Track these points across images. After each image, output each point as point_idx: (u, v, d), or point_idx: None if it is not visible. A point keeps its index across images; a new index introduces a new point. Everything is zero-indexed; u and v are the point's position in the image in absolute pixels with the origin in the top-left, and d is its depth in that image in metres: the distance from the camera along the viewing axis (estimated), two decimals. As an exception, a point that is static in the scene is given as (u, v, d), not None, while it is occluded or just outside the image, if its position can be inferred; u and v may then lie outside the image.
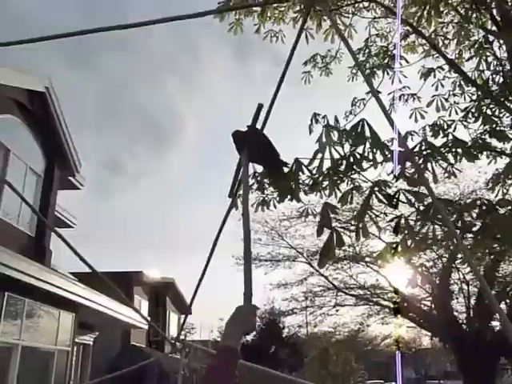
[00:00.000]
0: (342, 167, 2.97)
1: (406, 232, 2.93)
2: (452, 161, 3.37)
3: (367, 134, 2.59)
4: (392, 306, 19.73)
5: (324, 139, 2.83)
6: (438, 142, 4.23)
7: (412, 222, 3.41)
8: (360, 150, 2.79)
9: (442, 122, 4.84)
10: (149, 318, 15.87)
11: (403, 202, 3.00)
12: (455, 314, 19.05)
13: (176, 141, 52.04)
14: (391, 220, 3.02)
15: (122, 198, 56.39)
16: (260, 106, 2.15)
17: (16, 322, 8.81)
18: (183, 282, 25.65)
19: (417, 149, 3.17)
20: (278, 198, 4.37)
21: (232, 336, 1.51)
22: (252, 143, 2.13)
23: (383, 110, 2.35)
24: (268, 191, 4.47)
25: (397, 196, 2.97)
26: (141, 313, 3.03)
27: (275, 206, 4.50)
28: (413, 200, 3.08)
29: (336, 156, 2.92)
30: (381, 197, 2.81)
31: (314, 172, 3.02)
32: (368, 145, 2.67)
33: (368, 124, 2.59)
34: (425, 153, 3.23)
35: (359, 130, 2.60)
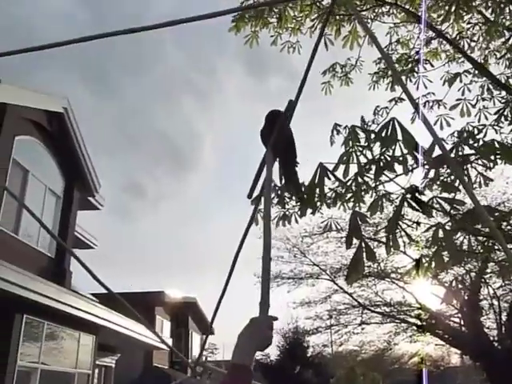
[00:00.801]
0: (371, 172, 2.74)
1: (442, 244, 2.68)
2: (489, 165, 3.11)
3: (399, 134, 2.37)
4: (419, 323, 19.14)
5: (351, 141, 2.61)
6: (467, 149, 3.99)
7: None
8: (391, 152, 2.56)
9: (471, 127, 4.58)
10: (168, 341, 15.62)
11: (438, 211, 2.76)
12: (486, 330, 18.40)
13: (194, 160, 52.22)
14: (426, 230, 2.77)
15: (143, 221, 56.60)
16: (290, 103, 1.91)
17: (35, 345, 8.67)
18: (205, 301, 25.35)
19: (453, 153, 2.93)
20: (299, 213, 4.16)
21: (244, 352, 1.34)
22: (280, 134, 1.91)
23: (415, 107, 2.14)
24: (289, 205, 4.26)
25: (430, 203, 2.73)
26: (159, 335, 2.84)
27: (297, 221, 4.27)
28: (448, 208, 2.84)
29: (363, 160, 2.70)
30: (414, 204, 2.57)
31: (341, 178, 2.79)
32: (399, 147, 2.45)
33: (399, 123, 2.37)
34: (459, 157, 2.99)
35: (390, 129, 2.38)
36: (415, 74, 5.77)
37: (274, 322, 1.46)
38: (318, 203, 4.32)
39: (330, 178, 2.72)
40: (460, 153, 3.11)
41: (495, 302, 17.80)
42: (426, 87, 5.50)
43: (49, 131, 10.60)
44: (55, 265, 10.75)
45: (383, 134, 2.39)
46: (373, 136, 2.93)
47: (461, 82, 5.28)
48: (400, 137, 2.42)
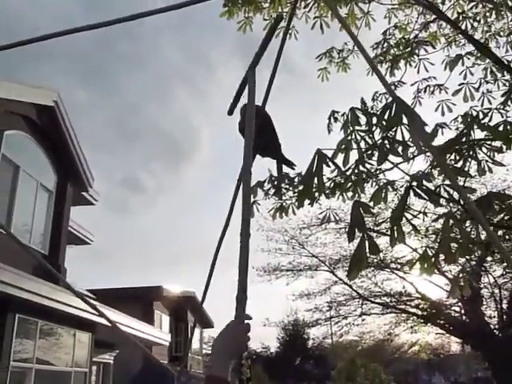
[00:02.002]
0: (374, 159, 2.53)
1: (454, 234, 2.47)
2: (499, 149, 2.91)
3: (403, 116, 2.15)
4: (420, 313, 19.03)
5: (350, 125, 2.40)
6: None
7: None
8: (395, 136, 2.34)
9: (474, 111, 4.37)
10: (167, 336, 15.38)
11: (446, 199, 2.56)
12: (486, 319, 18.31)
13: (191, 153, 52.08)
14: (436, 219, 2.57)
15: (142, 215, 56.59)
16: (279, 18, 1.69)
17: (29, 345, 8.47)
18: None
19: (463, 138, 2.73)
20: (296, 204, 3.96)
21: (220, 362, 1.25)
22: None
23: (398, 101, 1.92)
24: (286, 196, 4.06)
25: (438, 192, 2.53)
26: (107, 318, 2.65)
27: (294, 213, 4.09)
28: (457, 196, 2.64)
29: (364, 146, 2.49)
30: (421, 193, 2.37)
31: (340, 166, 2.57)
32: (401, 130, 2.23)
33: (403, 102, 2.15)
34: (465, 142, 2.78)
35: (394, 109, 2.16)
36: (415, 58, 5.54)
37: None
38: (316, 194, 4.11)
39: (329, 166, 2.50)
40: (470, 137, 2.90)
41: (496, 291, 17.71)
42: (427, 70, 5.28)
43: (39, 125, 10.34)
44: (49, 262, 10.52)
45: (386, 116, 2.17)
46: (374, 120, 2.73)
47: (463, 64, 5.06)
48: (405, 119, 2.21)
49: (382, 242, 17.94)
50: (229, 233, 2.27)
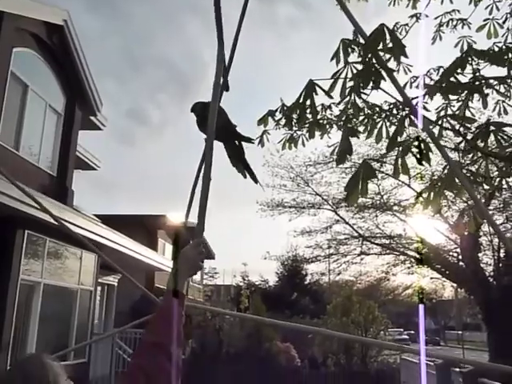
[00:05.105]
0: (369, 88, 2.46)
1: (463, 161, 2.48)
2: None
3: (388, 41, 2.10)
4: (418, 256, 19.36)
5: (342, 55, 2.32)
6: (491, 71, 3.70)
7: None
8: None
9: (497, 48, 4.24)
10: (169, 263, 15.76)
11: (447, 129, 2.54)
12: (483, 266, 18.66)
13: (198, 87, 51.32)
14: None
15: (147, 146, 56.64)
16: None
17: (38, 261, 8.75)
18: (207, 227, 25.62)
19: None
20: (307, 135, 3.95)
21: (181, 280, 1.52)
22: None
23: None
24: (296, 127, 4.04)
25: (440, 123, 2.50)
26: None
27: (304, 144, 4.08)
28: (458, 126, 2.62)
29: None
30: (415, 119, 2.34)
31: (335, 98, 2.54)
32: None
33: (388, 29, 2.08)
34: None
35: (377, 34, 2.10)
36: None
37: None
38: (328, 126, 4.10)
39: (317, 94, 2.45)
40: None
41: (494, 239, 17.91)
42: (451, 2, 5.08)
43: (48, 45, 10.14)
44: (57, 183, 10.67)
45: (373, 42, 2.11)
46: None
47: (489, -2, 4.86)
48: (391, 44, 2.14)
49: (386, 184, 18.03)
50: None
